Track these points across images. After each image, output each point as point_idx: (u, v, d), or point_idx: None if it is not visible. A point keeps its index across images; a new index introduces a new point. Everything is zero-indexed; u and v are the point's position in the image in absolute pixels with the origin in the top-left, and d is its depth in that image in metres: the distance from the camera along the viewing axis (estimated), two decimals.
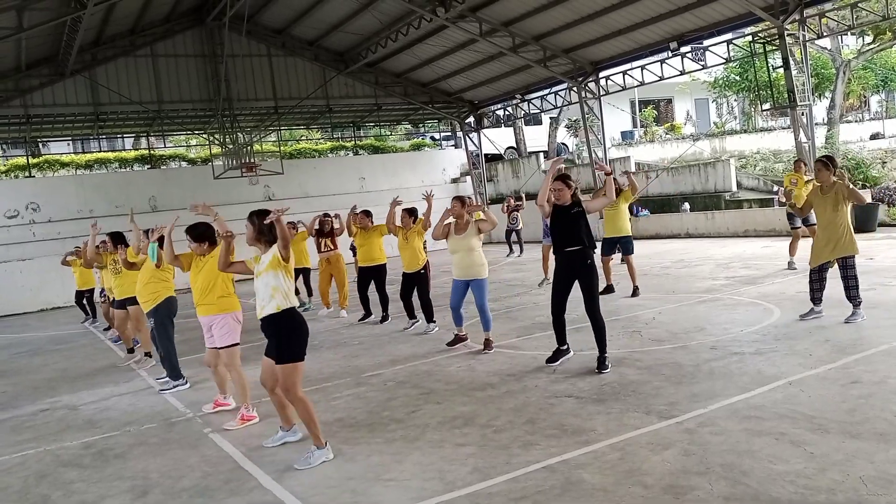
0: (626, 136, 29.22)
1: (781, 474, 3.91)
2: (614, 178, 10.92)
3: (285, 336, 4.89)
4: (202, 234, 6.38)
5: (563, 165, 7.14)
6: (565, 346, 6.91)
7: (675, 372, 6.18)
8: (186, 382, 7.61)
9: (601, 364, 6.45)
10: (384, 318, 10.54)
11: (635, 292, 10.37)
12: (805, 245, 9.67)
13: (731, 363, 6.26)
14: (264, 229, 4.99)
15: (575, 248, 6.56)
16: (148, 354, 9.06)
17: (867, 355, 6.06)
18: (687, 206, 19.98)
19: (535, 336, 8.37)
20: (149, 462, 5.31)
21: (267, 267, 4.94)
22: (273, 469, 4.86)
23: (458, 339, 8.23)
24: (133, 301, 8.53)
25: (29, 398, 8.02)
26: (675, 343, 7.26)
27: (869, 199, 16.49)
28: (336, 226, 11.94)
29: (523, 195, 19.81)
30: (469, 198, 8.66)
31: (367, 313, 10.85)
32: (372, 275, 10.60)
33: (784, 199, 12.44)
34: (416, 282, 9.44)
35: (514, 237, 18.66)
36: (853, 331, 6.97)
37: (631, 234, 10.83)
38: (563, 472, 4.25)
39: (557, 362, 6.81)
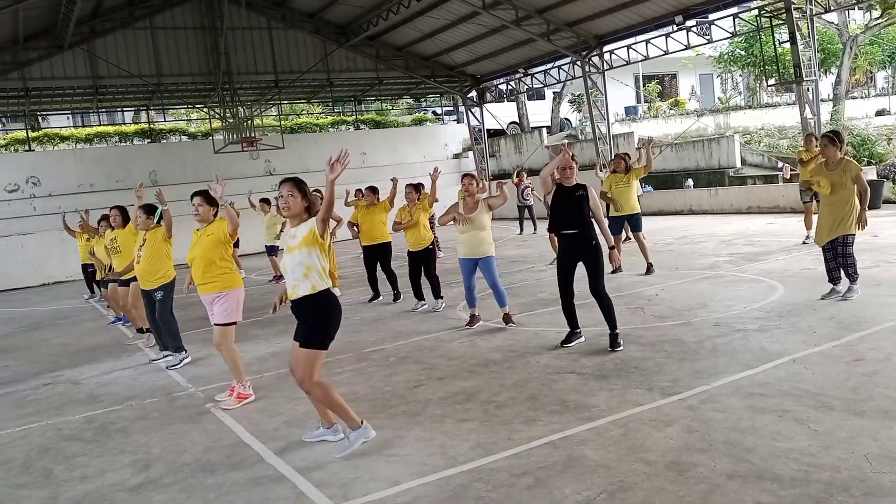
0: (630, 112, 28.99)
1: (785, 451, 3.89)
2: (626, 156, 10.85)
3: (320, 319, 4.48)
4: (213, 199, 6.21)
5: (569, 148, 6.99)
6: (578, 330, 6.72)
7: (677, 348, 6.15)
8: (188, 355, 7.63)
9: (613, 341, 6.34)
10: (396, 297, 10.24)
11: (649, 270, 10.14)
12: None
13: (735, 340, 6.24)
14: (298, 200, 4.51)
15: (575, 231, 6.43)
16: (140, 330, 8.99)
17: (872, 332, 6.03)
18: (690, 182, 19.86)
19: (537, 312, 8.35)
20: (151, 436, 5.31)
21: (301, 243, 4.43)
22: (275, 444, 4.86)
23: (475, 320, 7.99)
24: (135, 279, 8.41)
25: (30, 372, 8.03)
26: (678, 320, 7.23)
27: (874, 176, 16.39)
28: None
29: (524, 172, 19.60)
30: (473, 175, 8.51)
31: (376, 294, 10.50)
32: (377, 254, 10.35)
33: (787, 175, 12.34)
34: (424, 259, 9.31)
35: (525, 213, 18.51)
36: (857, 308, 6.93)
37: (640, 211, 10.63)
38: (566, 449, 4.24)
39: (572, 344, 6.62)
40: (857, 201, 7.18)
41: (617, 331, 6.42)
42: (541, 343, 6.84)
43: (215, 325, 6.07)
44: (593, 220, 6.52)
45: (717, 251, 11.71)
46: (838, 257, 7.28)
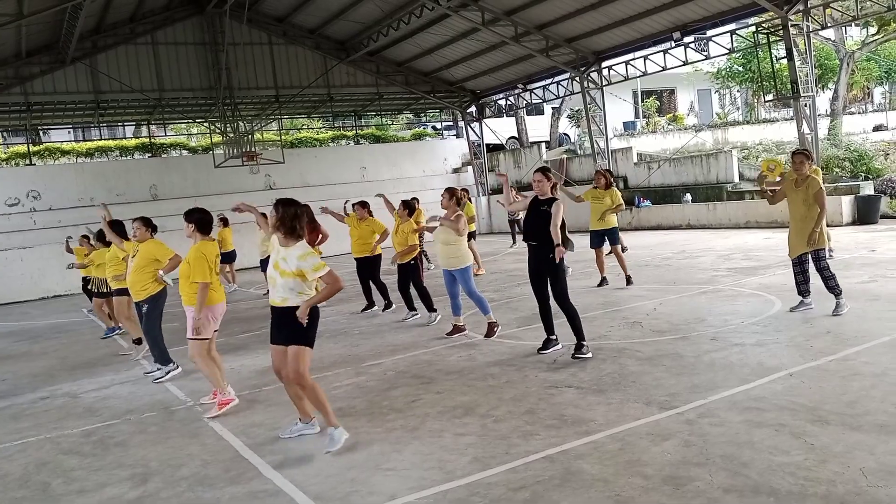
0: (629, 127, 29.08)
1: (781, 466, 3.90)
2: (608, 172, 11.09)
3: (300, 322, 4.78)
4: (200, 219, 6.34)
5: (505, 175, 7.46)
6: (554, 336, 6.99)
7: (675, 363, 6.17)
8: (178, 367, 7.65)
9: (578, 349, 6.59)
10: (387, 306, 10.58)
11: (629, 281, 10.46)
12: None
13: (732, 354, 6.25)
14: (286, 220, 4.80)
15: (535, 244, 6.73)
16: (137, 342, 9.03)
17: (868, 347, 6.05)
18: (689, 197, 19.92)
19: (535, 326, 8.33)
20: (149, 450, 5.31)
21: (293, 273, 4.76)
22: (273, 458, 4.86)
23: (456, 329, 8.27)
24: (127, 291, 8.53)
25: (29, 386, 8.02)
26: (676, 334, 7.25)
27: (871, 192, 16.46)
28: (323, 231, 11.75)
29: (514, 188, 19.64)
30: (465, 190, 8.76)
31: (370, 304, 10.84)
32: (366, 267, 10.63)
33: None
34: (409, 271, 9.50)
35: (517, 228, 18.56)
36: (854, 322, 6.95)
37: (616, 226, 10.88)
38: (563, 463, 4.25)
39: (548, 351, 6.90)
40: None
41: (584, 342, 6.64)
42: (539, 357, 6.85)
43: (187, 338, 6.27)
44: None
45: (715, 266, 11.74)
46: (818, 271, 7.41)
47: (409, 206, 9.77)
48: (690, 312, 8.25)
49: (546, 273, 6.73)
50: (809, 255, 7.47)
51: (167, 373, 7.57)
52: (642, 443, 4.44)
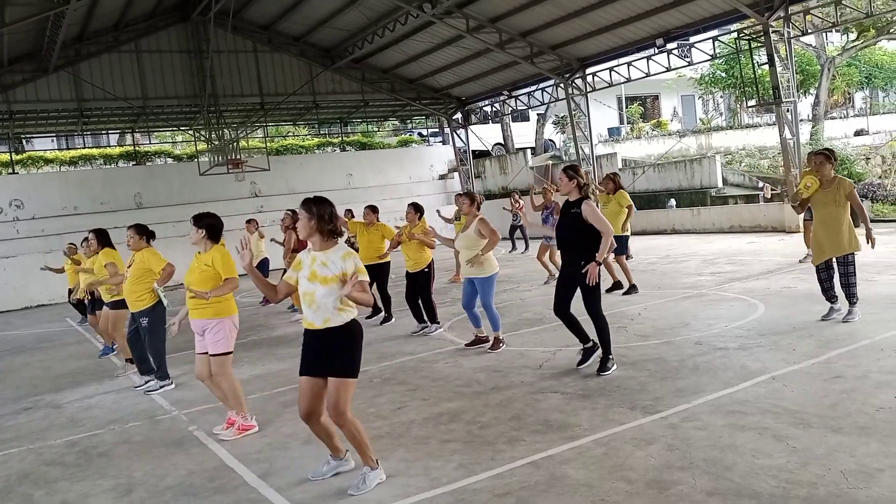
0: (613, 133, 29.30)
1: (764, 469, 3.94)
2: (616, 175, 10.83)
3: (349, 348, 4.23)
4: (211, 225, 5.84)
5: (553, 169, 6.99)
6: (590, 343, 6.42)
7: (659, 367, 6.20)
8: (172, 383, 7.51)
9: (603, 365, 6.18)
10: (386, 319, 10.04)
11: (616, 287, 10.31)
12: None
13: (716, 358, 6.30)
14: (325, 220, 4.21)
15: (567, 252, 6.28)
16: (130, 360, 8.54)
17: (850, 350, 6.11)
18: (673, 202, 20.06)
19: (521, 332, 8.38)
20: (133, 461, 5.27)
21: (334, 278, 4.15)
22: (258, 467, 4.84)
23: (478, 340, 7.81)
24: (121, 304, 8.18)
25: (11, 397, 7.94)
26: (660, 339, 7.30)
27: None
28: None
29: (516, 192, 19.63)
30: (460, 196, 8.46)
31: (375, 311, 10.21)
32: (374, 274, 9.72)
33: (769, 195, 12.49)
34: (420, 281, 9.05)
35: (517, 233, 18.59)
36: (836, 326, 7.02)
37: (626, 234, 10.43)
38: (548, 468, 4.27)
39: (589, 361, 6.38)
40: (850, 220, 7.03)
41: (610, 355, 6.23)
42: (525, 363, 6.87)
43: (210, 355, 5.62)
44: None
45: (699, 270, 11.82)
46: (842, 277, 7.09)
47: (419, 208, 9.36)
48: (675, 317, 8.30)
49: (579, 281, 6.09)
50: (835, 260, 7.10)
51: (161, 387, 7.38)
52: (626, 447, 4.46)
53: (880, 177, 18.96)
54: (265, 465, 4.86)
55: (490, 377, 6.51)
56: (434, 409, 5.72)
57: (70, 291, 13.31)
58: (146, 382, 7.53)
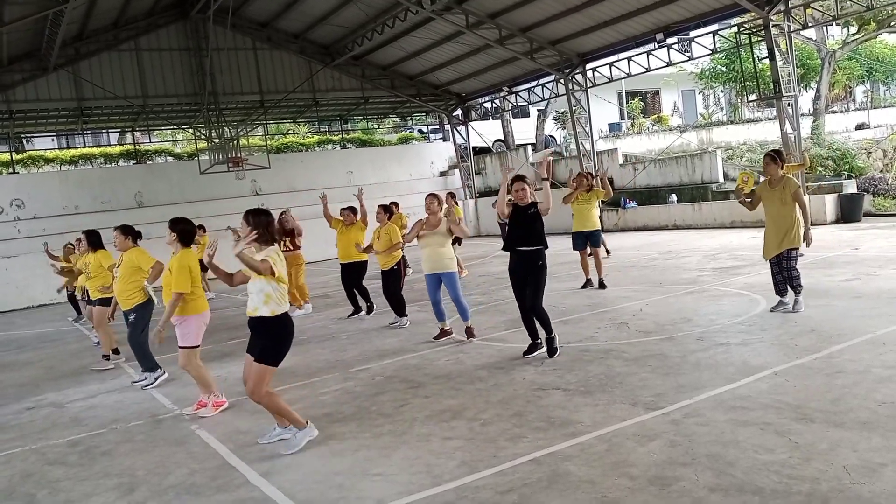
0: (614, 128, 29.25)
1: (766, 464, 3.93)
2: (588, 175, 11.09)
3: (274, 340, 4.98)
4: (184, 230, 6.41)
5: (514, 169, 7.47)
6: (539, 340, 7.02)
7: (661, 363, 6.20)
8: (165, 373, 7.66)
9: (549, 344, 6.84)
10: (370, 309, 10.76)
11: (601, 285, 10.54)
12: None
13: (718, 354, 6.29)
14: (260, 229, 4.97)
15: (531, 249, 6.81)
16: (105, 357, 9.00)
17: (852, 344, 6.11)
18: (674, 197, 20.04)
19: (522, 329, 8.34)
20: (135, 459, 5.28)
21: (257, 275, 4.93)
22: (260, 465, 4.85)
23: (443, 333, 8.35)
24: (106, 301, 8.53)
25: (14, 396, 7.95)
26: (662, 334, 7.29)
27: (854, 190, 16.61)
28: (296, 226, 11.55)
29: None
30: (451, 193, 8.77)
31: (356, 309, 10.86)
32: (352, 272, 10.71)
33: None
34: (390, 277, 9.60)
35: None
36: (838, 320, 7.02)
37: (599, 229, 10.99)
38: (550, 465, 4.27)
39: (533, 355, 6.95)
40: (800, 217, 7.47)
41: (553, 335, 6.86)
42: (526, 360, 6.87)
43: (179, 347, 6.32)
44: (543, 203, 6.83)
45: (700, 266, 11.81)
46: (783, 271, 7.54)
47: (388, 209, 9.88)
48: (676, 313, 8.29)
49: (535, 275, 6.82)
50: (782, 255, 7.55)
51: (156, 378, 7.57)
52: (629, 444, 4.46)
53: (881, 171, 18.90)
54: (266, 464, 4.86)
55: (492, 374, 6.51)
56: (436, 406, 5.72)
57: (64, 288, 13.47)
58: (144, 378, 7.66)
